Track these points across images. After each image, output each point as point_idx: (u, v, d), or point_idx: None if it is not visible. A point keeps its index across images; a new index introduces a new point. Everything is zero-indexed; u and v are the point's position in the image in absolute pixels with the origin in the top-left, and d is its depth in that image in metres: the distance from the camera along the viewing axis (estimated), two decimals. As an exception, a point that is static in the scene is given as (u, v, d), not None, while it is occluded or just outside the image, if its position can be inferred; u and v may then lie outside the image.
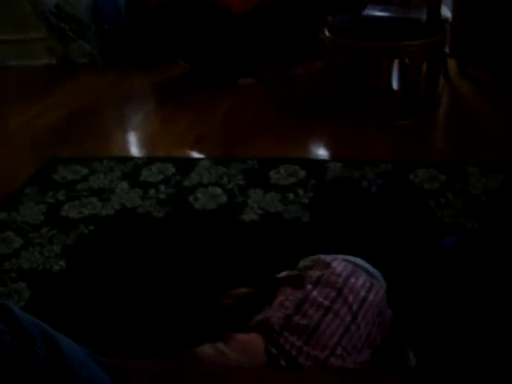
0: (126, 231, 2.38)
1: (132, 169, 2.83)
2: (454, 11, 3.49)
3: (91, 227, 2.39)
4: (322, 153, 2.98)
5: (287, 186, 2.57)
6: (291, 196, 2.49)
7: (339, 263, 1.62)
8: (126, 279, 2.05)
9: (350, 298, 1.50)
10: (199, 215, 2.42)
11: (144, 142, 3.27)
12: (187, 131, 3.21)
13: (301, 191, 2.51)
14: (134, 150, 3.17)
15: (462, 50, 3.64)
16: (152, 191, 2.62)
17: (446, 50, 3.40)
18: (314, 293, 1.52)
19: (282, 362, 1.38)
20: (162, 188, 2.64)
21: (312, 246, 2.12)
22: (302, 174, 2.65)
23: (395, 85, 3.09)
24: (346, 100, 3.23)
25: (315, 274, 1.59)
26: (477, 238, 2.13)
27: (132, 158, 2.96)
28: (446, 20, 3.17)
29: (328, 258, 1.66)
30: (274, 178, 2.64)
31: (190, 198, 2.54)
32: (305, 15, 3.77)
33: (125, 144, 3.28)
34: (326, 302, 1.49)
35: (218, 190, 2.58)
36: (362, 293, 1.53)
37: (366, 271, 1.63)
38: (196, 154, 3.02)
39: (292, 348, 1.40)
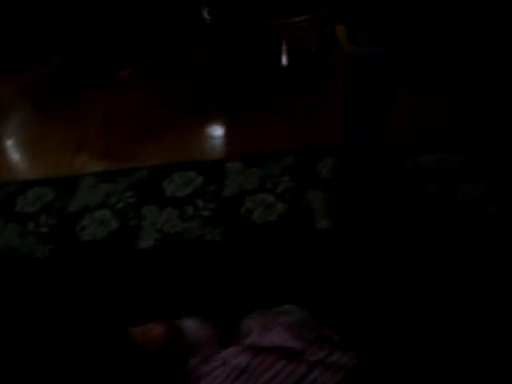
0: (4, 278, 2.04)
1: (5, 198, 2.46)
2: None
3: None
4: (218, 150, 2.69)
5: (184, 197, 2.29)
6: (190, 210, 2.22)
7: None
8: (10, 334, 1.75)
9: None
10: (88, 248, 2.11)
11: (16, 162, 2.86)
12: (65, 142, 2.84)
13: (200, 202, 2.25)
14: (5, 174, 2.73)
15: (350, 15, 3.45)
16: (31, 225, 2.27)
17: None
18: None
19: None
20: (43, 219, 2.30)
21: (221, 268, 1.92)
22: (200, 180, 2.38)
23: (286, 63, 2.86)
24: (240, 84, 2.97)
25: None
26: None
27: (4, 185, 2.57)
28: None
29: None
30: (169, 189, 2.36)
31: (77, 228, 2.21)
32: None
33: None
34: None
35: (107, 214, 2.27)
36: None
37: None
38: (77, 170, 2.66)
39: None
